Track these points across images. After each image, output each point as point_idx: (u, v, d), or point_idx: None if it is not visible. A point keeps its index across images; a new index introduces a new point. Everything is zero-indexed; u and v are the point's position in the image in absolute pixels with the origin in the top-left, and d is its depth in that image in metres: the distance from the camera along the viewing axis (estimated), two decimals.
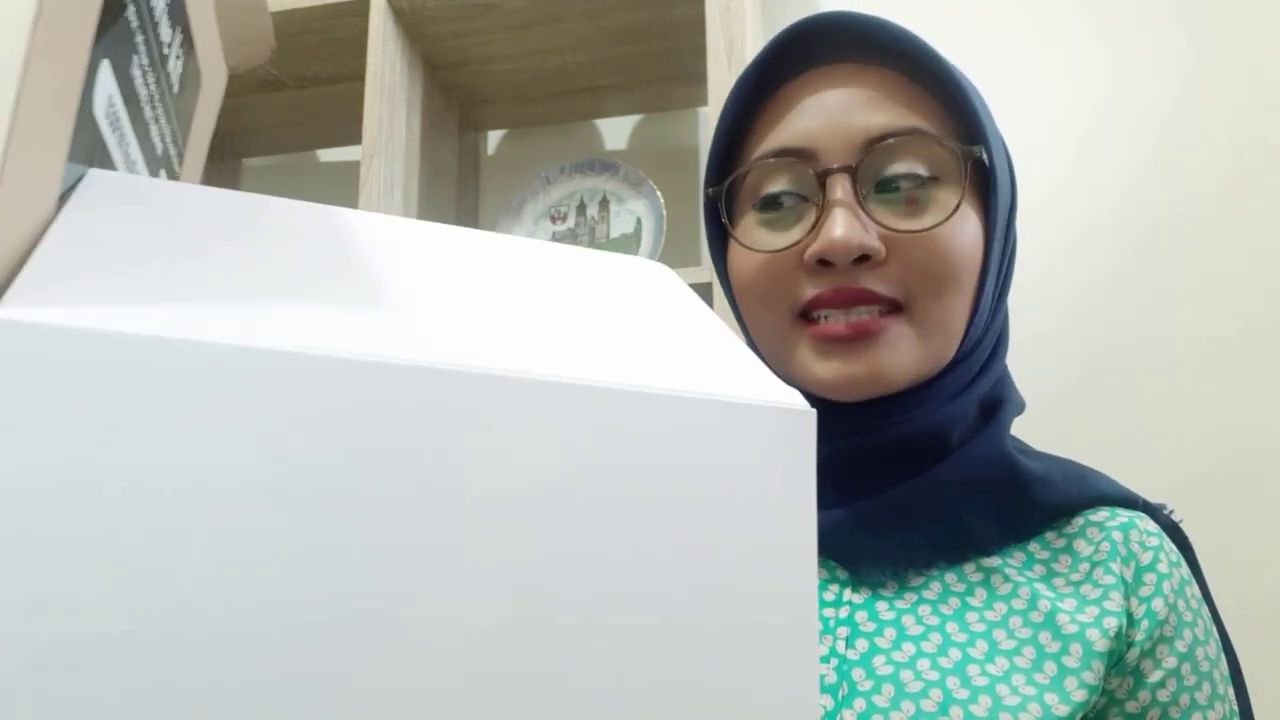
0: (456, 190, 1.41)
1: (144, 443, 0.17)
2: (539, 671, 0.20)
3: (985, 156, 0.56)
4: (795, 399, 0.24)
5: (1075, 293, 1.20)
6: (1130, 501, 0.59)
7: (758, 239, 0.58)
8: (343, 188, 1.42)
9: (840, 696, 0.52)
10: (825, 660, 0.53)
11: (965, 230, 0.56)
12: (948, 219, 0.54)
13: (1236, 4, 1.23)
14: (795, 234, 0.56)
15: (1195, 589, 0.57)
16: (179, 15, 0.32)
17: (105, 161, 0.26)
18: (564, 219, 1.33)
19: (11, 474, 0.16)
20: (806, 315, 0.56)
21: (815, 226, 0.55)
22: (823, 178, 0.55)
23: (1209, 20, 1.24)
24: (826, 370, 0.55)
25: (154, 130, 0.31)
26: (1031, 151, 1.24)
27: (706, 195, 0.62)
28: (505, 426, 0.20)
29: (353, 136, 1.39)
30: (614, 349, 0.24)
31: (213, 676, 0.17)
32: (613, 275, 0.30)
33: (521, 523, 0.20)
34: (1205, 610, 0.57)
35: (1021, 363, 1.16)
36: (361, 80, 1.20)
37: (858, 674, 0.52)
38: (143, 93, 0.29)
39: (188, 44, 0.33)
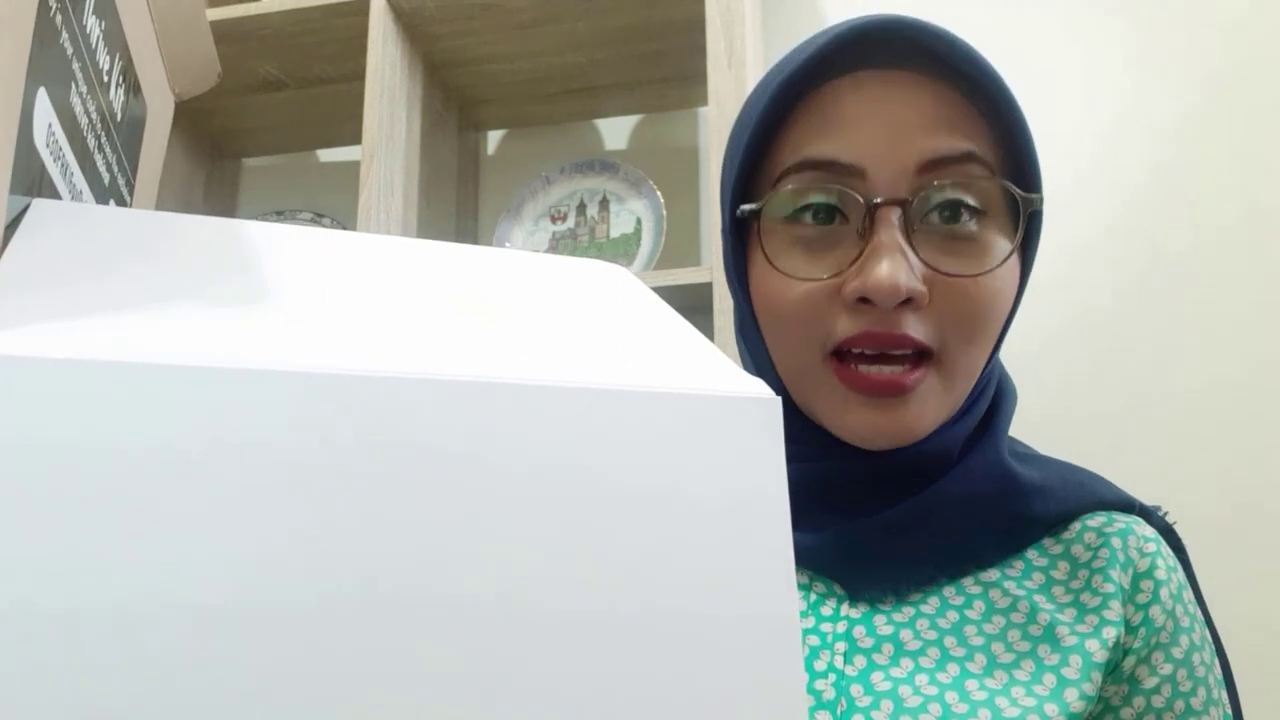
0: (456, 190, 1.41)
1: (117, 465, 0.17)
2: (520, 660, 0.20)
3: (1041, 207, 0.54)
4: (760, 388, 0.24)
5: (1095, 298, 1.20)
6: (1127, 505, 0.58)
7: (793, 264, 0.54)
8: (343, 188, 1.42)
9: (839, 713, 0.51)
10: (824, 676, 0.53)
11: (1007, 277, 0.54)
12: (999, 266, 0.53)
13: (1258, 3, 1.23)
14: (834, 263, 0.53)
15: (1191, 593, 0.57)
16: (116, 42, 0.31)
17: (50, 192, 0.26)
18: (564, 219, 1.33)
19: None
20: (836, 352, 0.53)
21: (858, 259, 0.52)
22: (872, 209, 0.51)
23: (1229, 21, 1.24)
24: (858, 423, 0.53)
25: (99, 159, 0.30)
26: (1055, 149, 1.24)
27: (734, 209, 0.57)
28: (475, 430, 0.20)
29: (353, 136, 1.39)
30: (577, 350, 0.24)
31: (207, 665, 0.18)
32: (572, 278, 0.31)
33: (496, 521, 0.20)
34: (1200, 614, 0.57)
35: (1039, 364, 1.17)
36: (361, 80, 1.20)
37: (856, 690, 0.52)
38: (83, 121, 0.28)
39: (128, 71, 0.33)
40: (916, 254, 0.51)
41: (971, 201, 0.52)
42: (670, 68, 1.31)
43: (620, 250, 1.28)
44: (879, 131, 0.53)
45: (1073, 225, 1.21)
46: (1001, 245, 0.53)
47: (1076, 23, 1.28)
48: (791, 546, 0.23)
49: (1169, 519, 0.60)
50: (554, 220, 1.34)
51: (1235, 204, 1.18)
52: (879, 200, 0.51)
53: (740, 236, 0.58)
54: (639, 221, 1.29)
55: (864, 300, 0.51)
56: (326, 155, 1.57)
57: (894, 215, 0.51)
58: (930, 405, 0.53)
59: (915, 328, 0.51)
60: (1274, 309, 1.15)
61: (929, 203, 0.52)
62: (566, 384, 0.21)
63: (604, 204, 1.32)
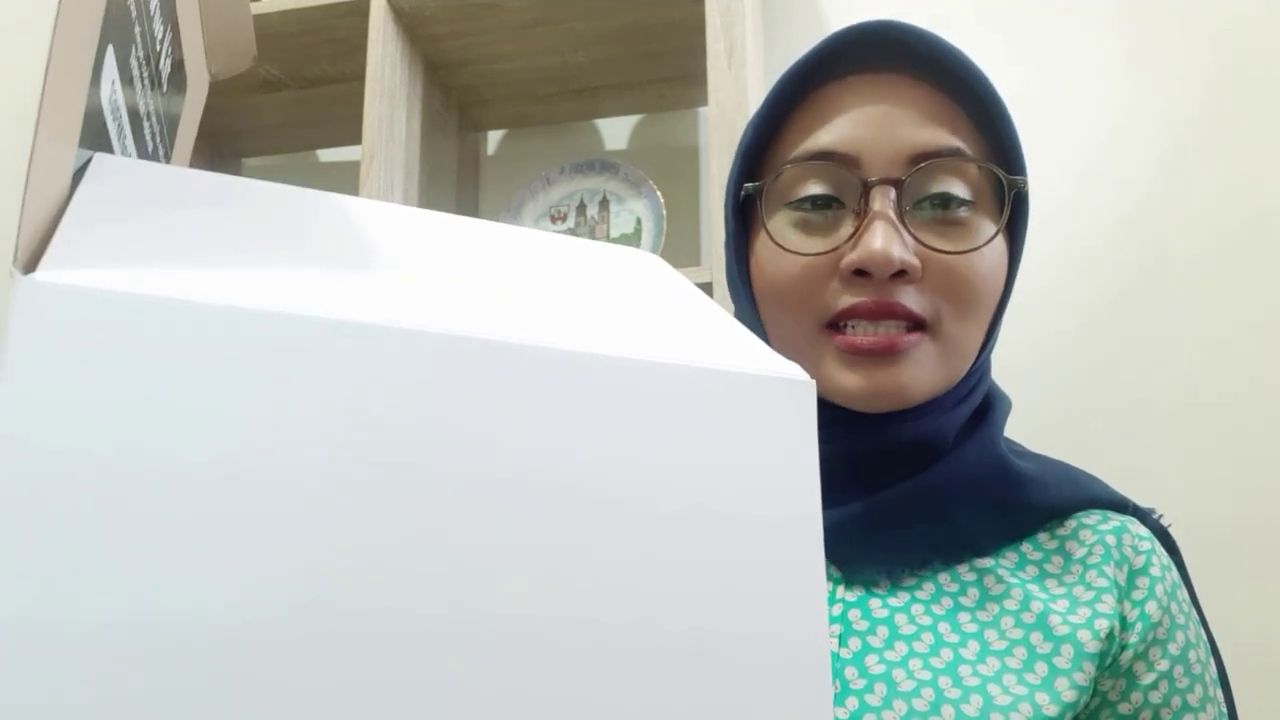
0: (456, 190, 1.41)
1: (175, 404, 0.18)
2: (556, 633, 0.20)
3: (1026, 190, 0.58)
4: (795, 370, 0.24)
5: (1094, 300, 1.20)
6: (1121, 505, 0.59)
7: (792, 240, 0.57)
8: (343, 188, 1.41)
9: (833, 695, 0.52)
10: None
11: (996, 257, 0.57)
12: (987, 244, 0.56)
13: (1257, 5, 1.23)
14: (832, 240, 0.56)
15: (1185, 592, 0.58)
16: (169, 13, 0.32)
17: (106, 148, 0.26)
18: (564, 219, 1.33)
19: (50, 431, 0.17)
20: (833, 324, 0.56)
21: (854, 235, 0.55)
22: (867, 187, 0.55)
23: (1229, 25, 1.23)
24: (852, 381, 0.55)
25: (146, 126, 0.30)
26: (1056, 154, 1.24)
27: (738, 190, 0.61)
28: (513, 394, 0.20)
29: (353, 136, 1.39)
30: (617, 325, 0.24)
31: (219, 650, 0.17)
32: (608, 261, 0.31)
33: (532, 492, 0.20)
34: (1195, 614, 0.58)
35: (1042, 366, 1.17)
36: (361, 80, 1.20)
37: (850, 672, 0.52)
38: (138, 85, 0.29)
39: (176, 44, 0.33)
40: (911, 234, 0.55)
41: (961, 190, 0.56)
42: (670, 68, 1.31)
43: None
44: (873, 125, 0.57)
45: (1075, 228, 1.21)
46: (989, 228, 0.57)
47: (1081, 26, 1.27)
48: (821, 524, 0.23)
49: (1164, 521, 0.60)
50: (554, 220, 1.34)
51: (1240, 207, 1.18)
52: (874, 179, 0.55)
53: (743, 221, 0.62)
54: (639, 221, 1.29)
55: (860, 273, 0.54)
56: (326, 155, 1.57)
57: (888, 193, 0.55)
58: (924, 369, 0.55)
59: (910, 298, 0.54)
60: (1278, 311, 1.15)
61: (921, 187, 0.56)
62: (606, 353, 0.22)
63: (604, 204, 1.32)
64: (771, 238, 0.58)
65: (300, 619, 0.18)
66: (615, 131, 1.44)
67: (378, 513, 0.19)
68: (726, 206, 0.63)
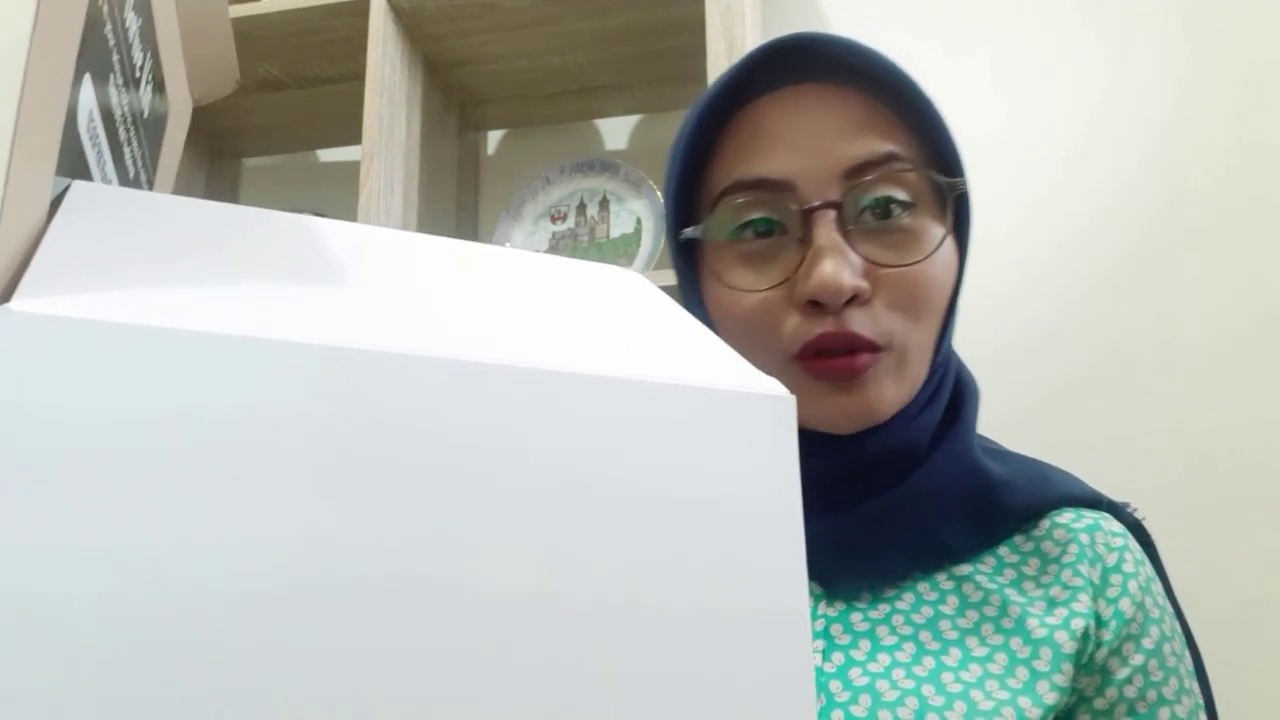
0: (456, 190, 1.41)
1: (155, 429, 0.18)
2: (533, 648, 0.20)
3: (966, 189, 0.57)
4: (776, 387, 0.24)
5: (1071, 293, 1.20)
6: (1094, 501, 0.60)
7: (741, 279, 0.57)
8: (343, 188, 1.42)
9: (818, 709, 0.52)
10: None
11: (945, 260, 0.57)
12: (935, 252, 0.55)
13: (1232, 4, 1.24)
14: (779, 272, 0.55)
15: (1160, 586, 0.58)
16: (149, 40, 0.32)
17: (84, 175, 0.26)
18: (564, 219, 1.33)
19: (24, 458, 0.17)
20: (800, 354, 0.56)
21: (801, 265, 0.54)
22: (807, 214, 0.54)
23: (1205, 21, 1.24)
24: (822, 407, 0.55)
25: (127, 152, 0.31)
26: (1029, 153, 1.24)
27: (676, 236, 0.60)
28: (495, 413, 0.20)
29: (353, 136, 1.39)
30: (597, 343, 0.24)
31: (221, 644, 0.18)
32: (588, 280, 0.31)
33: (513, 509, 0.20)
34: (1170, 607, 0.58)
35: (1017, 363, 1.17)
36: (361, 80, 1.20)
37: (835, 686, 0.53)
38: (118, 113, 0.29)
39: (157, 70, 0.33)
40: (855, 251, 0.54)
41: (900, 196, 0.55)
42: (670, 67, 1.31)
43: (620, 250, 1.29)
44: (802, 144, 0.56)
45: (1049, 228, 1.22)
46: (935, 231, 0.56)
47: (1054, 25, 1.28)
48: (803, 540, 0.23)
49: (1137, 515, 0.61)
50: (554, 220, 1.34)
51: (1212, 208, 1.19)
52: (813, 205, 0.54)
53: (689, 259, 0.61)
54: (639, 221, 1.29)
55: (813, 303, 0.54)
56: (326, 155, 1.57)
57: (829, 217, 0.54)
58: (887, 385, 0.55)
59: (862, 324, 0.54)
60: (1254, 303, 1.15)
61: (859, 203, 0.55)
62: (587, 372, 0.22)
63: (604, 204, 1.32)
64: (719, 279, 0.57)
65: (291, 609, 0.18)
66: (615, 131, 1.44)
67: (365, 506, 0.19)
68: (670, 246, 0.62)
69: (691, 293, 0.61)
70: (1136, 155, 1.22)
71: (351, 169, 1.24)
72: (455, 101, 1.42)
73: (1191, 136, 1.21)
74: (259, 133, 1.51)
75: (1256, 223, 1.18)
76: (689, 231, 0.59)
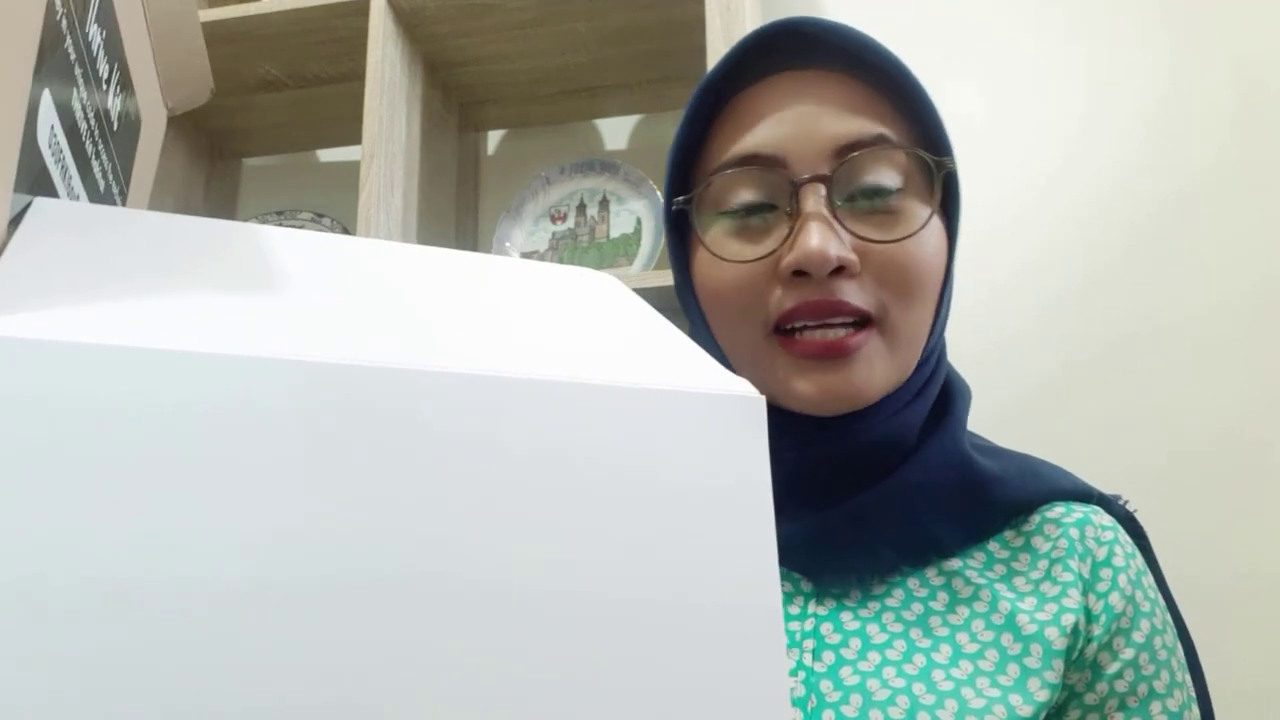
0: (456, 190, 1.41)
1: (124, 447, 0.18)
2: (508, 644, 0.20)
3: (954, 169, 0.58)
4: (745, 387, 0.24)
5: (1060, 288, 1.20)
6: (1085, 495, 0.59)
7: (729, 249, 0.57)
8: (343, 188, 1.42)
9: (809, 709, 0.52)
10: (793, 673, 0.53)
11: (934, 241, 0.57)
12: (921, 229, 0.55)
13: (1217, 4, 1.24)
14: (768, 244, 0.56)
15: (1151, 578, 0.58)
16: (115, 52, 0.32)
17: (48, 192, 0.26)
18: (564, 219, 1.33)
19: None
20: (780, 328, 0.56)
21: (789, 237, 0.54)
22: (796, 187, 0.55)
23: (1186, 13, 1.24)
24: (805, 387, 0.55)
25: (95, 166, 0.30)
26: (1019, 152, 1.24)
27: (671, 206, 0.61)
28: (470, 421, 0.21)
29: (353, 136, 1.39)
30: (568, 349, 0.24)
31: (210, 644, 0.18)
32: (561, 284, 0.31)
33: (488, 511, 0.20)
34: (1161, 599, 0.57)
35: (1008, 357, 1.17)
36: (361, 80, 1.20)
37: (826, 686, 0.52)
38: (83, 126, 0.28)
39: (125, 81, 0.33)
40: (845, 227, 0.54)
41: (890, 179, 0.56)
42: (670, 68, 1.31)
43: (620, 250, 1.29)
44: (795, 124, 0.56)
45: (1037, 225, 1.22)
46: (922, 211, 0.56)
47: (1041, 26, 1.28)
48: (775, 539, 0.23)
49: (1129, 507, 0.60)
50: (554, 220, 1.34)
51: (1198, 211, 1.19)
52: (802, 178, 0.55)
53: (681, 235, 0.62)
54: (639, 221, 1.29)
55: (799, 273, 0.54)
56: (326, 155, 1.57)
57: (818, 191, 0.54)
58: (877, 367, 0.55)
59: (852, 294, 0.54)
60: (1245, 311, 1.16)
61: (850, 181, 0.55)
62: (560, 379, 0.22)
63: (604, 204, 1.32)
64: (708, 249, 0.58)
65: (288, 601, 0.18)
66: (615, 131, 1.44)
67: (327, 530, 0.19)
68: (665, 224, 0.63)
69: (681, 266, 0.62)
70: (1123, 151, 1.23)
71: (351, 169, 1.24)
72: (455, 101, 1.42)
73: (1179, 130, 1.22)
74: (259, 133, 1.51)
75: (1245, 214, 1.18)
76: (680, 201, 0.60)
